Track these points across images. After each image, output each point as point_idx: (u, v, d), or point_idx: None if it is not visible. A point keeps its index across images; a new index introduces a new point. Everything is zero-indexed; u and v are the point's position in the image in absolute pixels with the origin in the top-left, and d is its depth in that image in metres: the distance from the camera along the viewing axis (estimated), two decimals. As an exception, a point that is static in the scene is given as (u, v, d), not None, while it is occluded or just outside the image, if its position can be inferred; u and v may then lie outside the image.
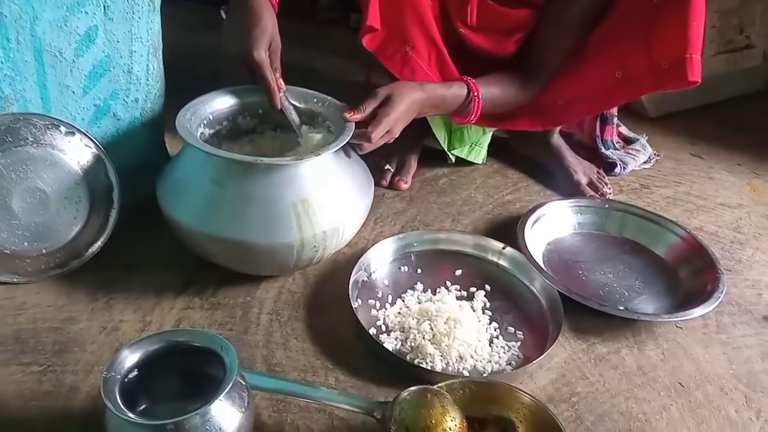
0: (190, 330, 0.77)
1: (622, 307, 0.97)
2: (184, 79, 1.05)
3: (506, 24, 1.09)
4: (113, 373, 0.64)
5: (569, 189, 1.23)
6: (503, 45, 1.10)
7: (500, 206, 1.19)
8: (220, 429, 0.63)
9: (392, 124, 0.95)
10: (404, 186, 1.20)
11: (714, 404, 0.84)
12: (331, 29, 2.06)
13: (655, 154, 1.39)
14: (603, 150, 1.34)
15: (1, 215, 0.86)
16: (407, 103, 0.96)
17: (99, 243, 0.93)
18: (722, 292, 0.96)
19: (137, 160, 1.01)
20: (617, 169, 1.31)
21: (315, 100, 1.00)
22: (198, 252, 0.91)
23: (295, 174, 0.87)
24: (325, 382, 0.80)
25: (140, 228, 0.99)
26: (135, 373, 0.67)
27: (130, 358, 0.66)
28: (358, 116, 0.93)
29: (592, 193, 1.21)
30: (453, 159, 1.27)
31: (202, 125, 0.94)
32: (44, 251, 0.89)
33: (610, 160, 1.32)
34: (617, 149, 1.37)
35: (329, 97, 1.00)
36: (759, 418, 0.82)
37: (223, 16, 0.97)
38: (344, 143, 0.90)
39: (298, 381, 0.78)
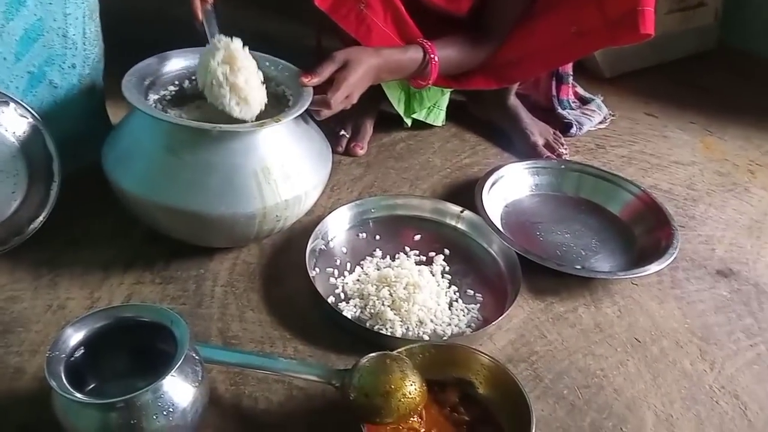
0: (138, 305, 0.74)
1: (579, 267, 0.97)
2: (124, 45, 1.00)
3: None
4: (57, 353, 0.61)
5: (526, 151, 1.22)
6: (458, 4, 1.08)
7: (458, 170, 1.18)
8: (173, 404, 0.61)
9: (351, 89, 0.93)
10: (360, 152, 1.17)
11: (669, 358, 0.85)
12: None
13: (610, 114, 1.39)
14: (559, 110, 1.34)
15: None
16: (365, 67, 0.94)
17: (41, 218, 0.89)
18: (676, 248, 0.97)
19: (78, 129, 0.96)
20: (573, 130, 1.31)
21: (267, 63, 0.96)
22: (150, 224, 0.88)
23: (256, 141, 0.84)
24: (283, 353, 0.79)
25: (84, 200, 0.95)
26: (81, 351, 0.64)
27: (75, 336, 0.63)
28: (315, 80, 0.90)
29: (549, 154, 1.20)
30: (409, 123, 1.25)
31: (147, 90, 0.89)
32: (-19, 227, 0.85)
33: (565, 121, 1.32)
34: (573, 109, 1.36)
35: (282, 61, 0.96)
36: (713, 369, 0.84)
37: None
38: (305, 109, 0.87)
39: (254, 353, 0.77)
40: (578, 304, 0.92)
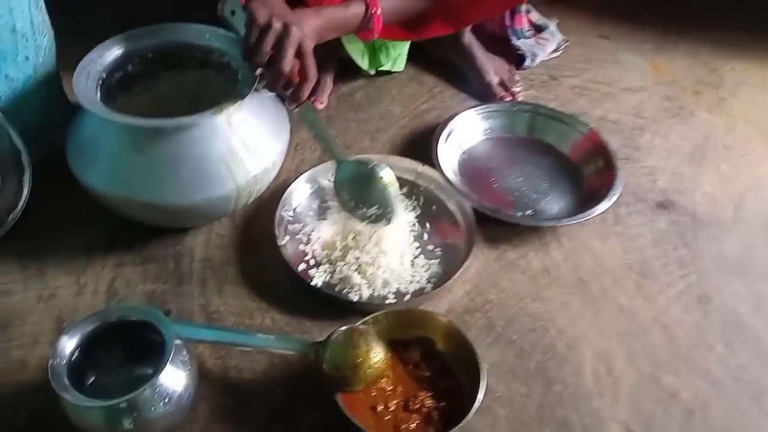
0: (125, 306, 0.81)
1: (530, 211, 1.05)
2: (74, 30, 1.00)
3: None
4: (59, 360, 0.69)
5: (481, 90, 1.26)
6: None
7: (416, 117, 1.22)
8: (169, 394, 0.70)
9: (291, 53, 0.93)
10: (320, 106, 1.20)
11: (609, 295, 0.95)
12: None
13: (564, 40, 1.41)
14: (513, 41, 1.35)
15: None
16: (306, 30, 0.95)
17: (18, 209, 0.93)
18: (618, 188, 1.04)
19: (40, 118, 0.98)
20: (527, 62, 1.33)
21: (208, 35, 0.98)
22: (123, 215, 0.93)
23: (216, 126, 0.87)
24: (261, 324, 0.88)
25: (56, 186, 0.96)
26: (78, 352, 0.72)
27: (71, 342, 0.71)
28: (259, 59, 0.92)
29: (504, 93, 1.24)
30: (373, 73, 1.27)
31: (99, 85, 0.91)
32: (-38, 228, 0.90)
33: (519, 52, 1.34)
34: (528, 38, 1.38)
35: (222, 30, 0.97)
36: (647, 303, 0.94)
37: None
38: (255, 85, 0.89)
39: (235, 330, 0.85)
40: (528, 250, 1.00)
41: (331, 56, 1.24)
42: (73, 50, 0.93)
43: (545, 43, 1.38)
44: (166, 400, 0.69)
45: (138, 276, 0.92)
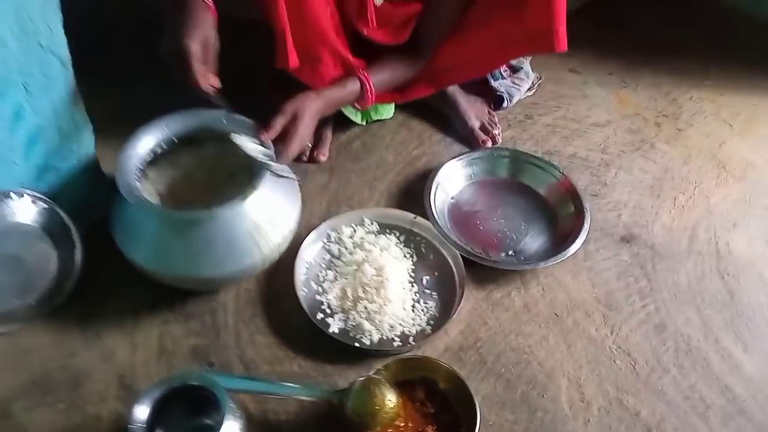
0: (184, 374, 0.94)
1: (511, 251, 1.22)
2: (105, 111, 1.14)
3: (402, 20, 1.21)
4: (137, 425, 0.85)
5: (465, 134, 1.41)
6: (399, 37, 1.23)
7: (408, 164, 1.37)
8: (227, 443, 0.86)
9: (302, 139, 1.10)
10: (323, 159, 1.35)
11: (580, 327, 1.12)
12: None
13: (537, 78, 1.56)
14: (492, 82, 1.50)
15: (-14, 286, 1.00)
16: (310, 114, 1.11)
17: (72, 280, 1.08)
18: (587, 230, 1.21)
19: (83, 196, 1.13)
20: (505, 104, 1.49)
21: (223, 119, 1.11)
22: (164, 283, 1.08)
23: (243, 207, 1.01)
24: (290, 370, 1.04)
25: (99, 253, 1.10)
26: (149, 414, 0.88)
27: (143, 409, 0.86)
28: (272, 135, 1.07)
29: (485, 138, 1.39)
30: (364, 123, 1.42)
31: (137, 178, 1.04)
32: (31, 301, 1.04)
33: (498, 93, 1.49)
34: (504, 78, 1.53)
35: (237, 115, 1.10)
36: (613, 333, 1.12)
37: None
38: (271, 168, 1.04)
39: (269, 381, 1.01)
40: (511, 288, 1.17)
41: (330, 114, 1.38)
42: (105, 128, 1.08)
43: (521, 83, 1.52)
44: (226, 447, 0.86)
45: (181, 332, 1.08)
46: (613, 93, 1.57)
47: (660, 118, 1.52)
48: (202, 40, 1.00)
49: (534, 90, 1.54)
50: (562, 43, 1.19)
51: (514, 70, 1.55)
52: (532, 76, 1.55)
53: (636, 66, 1.64)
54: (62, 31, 0.95)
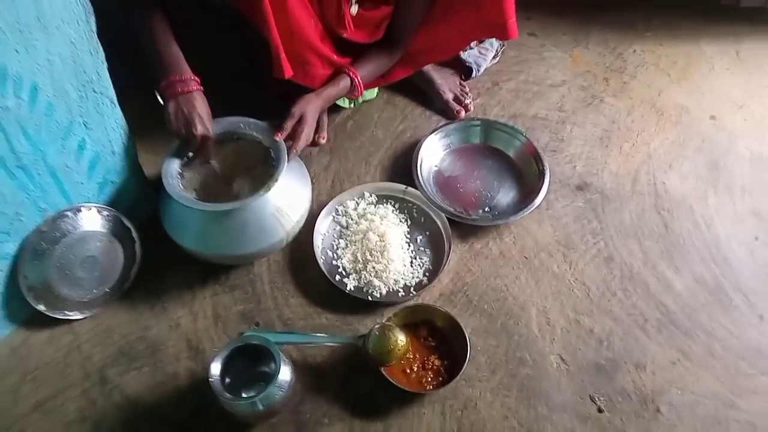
0: (246, 336, 1.21)
1: (487, 208, 1.48)
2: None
3: (376, 21, 1.42)
4: (214, 377, 1.12)
5: (441, 107, 1.65)
6: (376, 35, 1.44)
7: (396, 139, 1.61)
8: (282, 382, 1.14)
9: (308, 135, 1.33)
10: (323, 141, 1.58)
11: (545, 266, 1.40)
12: None
13: (500, 46, 1.77)
14: (461, 54, 1.71)
15: (73, 281, 1.25)
16: (313, 113, 1.35)
17: (135, 267, 1.34)
18: (547, 184, 1.47)
19: (135, 198, 1.36)
20: (474, 73, 1.71)
21: (241, 125, 1.34)
22: (207, 261, 1.34)
23: (267, 197, 1.26)
24: (320, 323, 1.31)
25: (153, 242, 1.36)
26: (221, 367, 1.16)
27: (216, 365, 1.13)
28: (284, 135, 1.30)
29: (459, 108, 1.63)
30: (353, 106, 1.64)
31: (179, 178, 1.29)
32: (107, 289, 1.30)
33: (467, 64, 1.71)
34: (472, 48, 1.74)
35: (252, 119, 1.34)
36: (571, 267, 1.40)
37: (158, 97, 1.26)
38: (285, 163, 1.28)
39: (305, 334, 1.29)
40: (488, 239, 1.44)
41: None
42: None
43: (486, 53, 1.74)
44: (283, 387, 1.14)
45: (230, 301, 1.34)
46: (567, 53, 1.80)
47: (608, 73, 1.75)
48: (204, 117, 1.25)
49: (498, 57, 1.76)
50: (513, 32, 1.42)
51: (480, 40, 1.76)
52: (496, 44, 1.76)
53: (587, 23, 1.86)
54: (108, 76, 1.16)
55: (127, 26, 1.24)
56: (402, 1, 1.42)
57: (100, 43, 1.12)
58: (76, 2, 1.03)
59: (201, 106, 1.25)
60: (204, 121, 1.24)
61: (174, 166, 1.29)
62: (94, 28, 1.09)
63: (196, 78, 1.27)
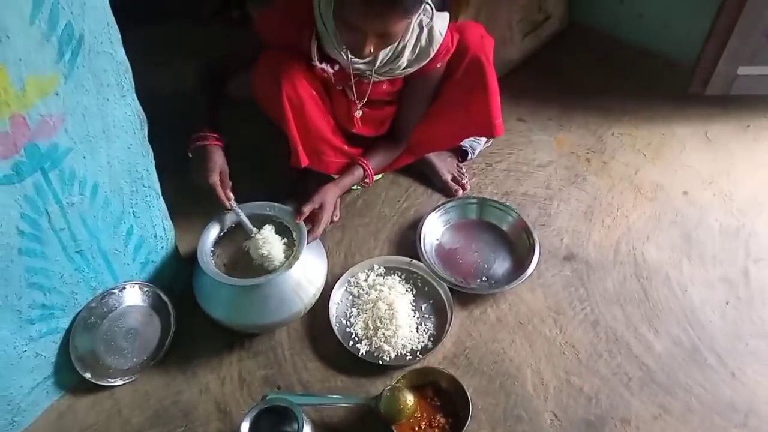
0: (273, 397, 1.35)
1: (484, 277, 1.64)
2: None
3: (381, 119, 1.62)
4: (245, 436, 1.26)
5: (441, 186, 1.84)
6: (380, 130, 1.65)
7: (401, 215, 1.79)
8: (304, 442, 1.28)
9: (327, 221, 1.51)
10: (336, 219, 1.76)
11: (538, 330, 1.56)
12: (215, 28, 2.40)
13: (493, 131, 1.97)
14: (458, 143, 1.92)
15: (117, 351, 1.41)
16: (331, 200, 1.53)
17: (170, 337, 1.49)
18: (537, 255, 1.64)
19: (171, 274, 1.53)
20: (469, 156, 1.91)
21: (267, 208, 1.52)
22: (234, 329, 1.49)
23: (288, 272, 1.43)
24: (336, 386, 1.46)
25: (185, 311, 1.52)
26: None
27: (245, 425, 1.28)
28: (303, 218, 1.48)
29: (456, 188, 1.82)
30: (359, 188, 1.83)
31: (211, 255, 1.46)
32: (145, 357, 1.45)
33: (463, 148, 1.91)
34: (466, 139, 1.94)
35: (277, 204, 1.52)
36: (561, 331, 1.55)
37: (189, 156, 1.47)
38: (306, 243, 1.45)
39: (322, 395, 1.43)
40: (486, 306, 1.60)
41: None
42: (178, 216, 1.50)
43: (480, 137, 1.94)
44: (304, 445, 1.28)
45: (253, 366, 1.49)
46: (553, 136, 2.00)
47: (589, 154, 1.95)
48: (220, 171, 1.44)
49: (491, 142, 1.96)
50: (499, 130, 1.64)
51: (474, 128, 1.96)
52: (488, 130, 1.97)
53: (570, 109, 2.07)
54: (155, 172, 1.35)
55: (178, 121, 1.45)
56: (403, 103, 1.64)
57: (150, 146, 1.31)
58: (134, 115, 1.23)
59: (214, 158, 1.44)
60: (213, 171, 1.42)
61: (207, 245, 1.46)
62: (146, 134, 1.29)
63: (215, 134, 1.47)
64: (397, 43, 1.41)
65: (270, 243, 1.45)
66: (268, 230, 1.47)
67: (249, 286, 1.42)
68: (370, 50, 1.34)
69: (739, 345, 1.51)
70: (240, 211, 1.47)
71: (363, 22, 1.29)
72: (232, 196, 1.46)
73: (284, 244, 1.49)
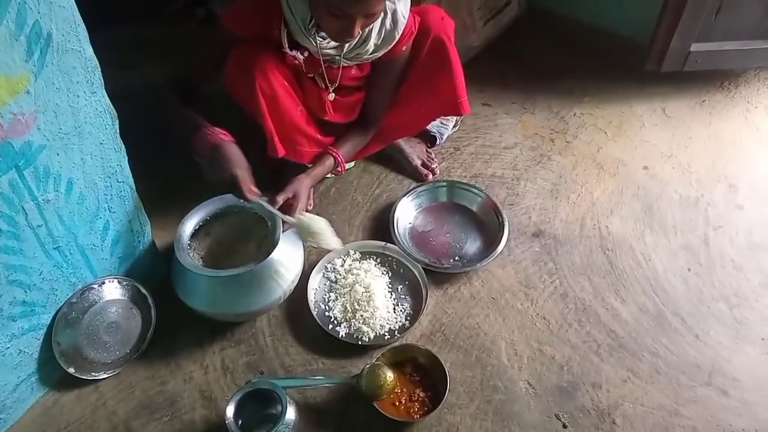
0: (258, 380, 1.38)
1: (457, 257, 1.69)
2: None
3: (352, 105, 1.67)
4: (229, 419, 1.29)
5: (411, 172, 1.88)
6: (351, 116, 1.69)
7: (373, 201, 1.84)
8: (289, 421, 1.31)
9: (302, 210, 1.54)
10: (310, 207, 1.80)
11: (510, 304, 1.61)
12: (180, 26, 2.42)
13: (459, 116, 2.02)
14: (426, 126, 1.96)
15: (100, 345, 1.43)
16: (304, 190, 1.56)
17: (151, 329, 1.51)
18: (506, 233, 1.70)
19: (148, 268, 1.56)
20: (438, 141, 1.95)
21: (240, 201, 1.54)
22: (214, 319, 1.52)
23: (267, 261, 1.46)
24: (317, 368, 1.50)
25: (164, 303, 1.54)
26: (234, 411, 1.33)
27: (231, 408, 1.31)
28: (277, 206, 1.51)
29: (426, 172, 1.86)
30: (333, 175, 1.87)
31: (188, 249, 1.48)
32: (128, 350, 1.48)
33: (431, 134, 1.95)
34: (435, 120, 1.99)
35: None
36: (532, 304, 1.61)
37: (198, 160, 1.48)
38: (281, 231, 1.49)
39: (305, 377, 1.47)
40: (460, 284, 1.65)
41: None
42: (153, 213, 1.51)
43: (447, 123, 1.99)
44: (289, 426, 1.32)
45: (236, 354, 1.52)
46: (517, 119, 2.06)
47: (553, 135, 2.01)
48: (243, 166, 1.43)
49: (458, 126, 2.01)
50: (466, 108, 1.68)
51: (441, 113, 2.01)
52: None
53: (532, 92, 2.13)
54: (128, 167, 1.37)
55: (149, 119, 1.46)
56: (372, 88, 1.67)
57: (122, 141, 1.34)
58: (104, 111, 1.25)
59: (233, 152, 1.44)
60: (237, 166, 1.41)
61: (184, 239, 1.48)
62: (118, 130, 1.31)
63: (222, 130, 1.48)
64: None
65: (316, 221, 1.49)
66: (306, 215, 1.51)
67: (228, 277, 1.45)
68: (358, 31, 1.38)
69: (702, 308, 1.59)
70: (268, 204, 1.47)
71: (350, 7, 1.32)
72: (257, 190, 1.45)
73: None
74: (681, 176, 1.90)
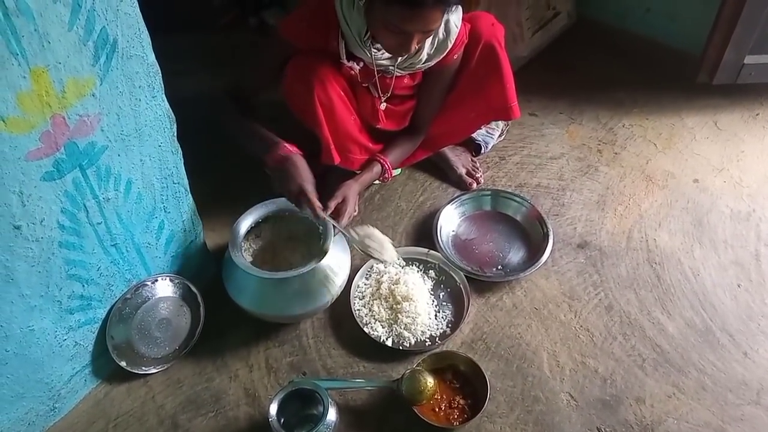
0: (300, 380, 1.42)
1: (500, 266, 1.69)
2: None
3: (403, 113, 1.70)
4: (272, 417, 1.33)
5: (456, 180, 1.89)
6: (403, 124, 1.72)
7: (417, 208, 1.85)
8: (329, 422, 1.34)
9: (350, 214, 1.57)
10: (356, 214, 1.81)
11: (553, 315, 1.60)
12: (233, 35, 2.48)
13: (505, 125, 2.03)
14: (472, 135, 1.97)
15: (151, 340, 1.48)
16: (353, 195, 1.59)
17: (200, 327, 1.56)
18: (550, 244, 1.69)
19: (199, 267, 1.61)
20: (483, 150, 1.96)
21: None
22: (263, 320, 1.56)
23: (318, 266, 1.49)
24: (358, 371, 1.52)
25: (213, 302, 1.59)
26: (277, 409, 1.36)
27: (274, 406, 1.34)
28: (328, 213, 1.54)
29: (471, 181, 1.87)
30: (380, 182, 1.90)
31: (241, 249, 1.53)
32: (177, 346, 1.53)
33: (476, 143, 1.96)
34: (480, 129, 1.99)
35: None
36: (576, 316, 1.60)
37: (268, 172, 1.54)
38: (333, 236, 1.51)
39: (346, 380, 1.49)
40: (502, 293, 1.65)
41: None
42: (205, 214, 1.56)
43: (493, 132, 1.99)
44: (329, 426, 1.34)
45: (280, 354, 1.56)
46: (564, 129, 2.05)
47: (601, 146, 1.99)
48: (310, 180, 1.49)
49: (504, 135, 2.02)
50: (516, 113, 1.69)
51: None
52: (501, 124, 2.02)
53: (580, 103, 2.12)
54: (184, 169, 1.43)
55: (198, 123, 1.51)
56: (422, 96, 1.70)
57: (178, 144, 1.39)
58: (164, 115, 1.30)
59: (303, 168, 1.50)
60: (306, 181, 1.48)
61: (239, 240, 1.53)
62: (175, 133, 1.36)
63: (291, 146, 1.53)
64: None
65: (375, 235, 1.54)
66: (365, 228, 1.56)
67: (280, 279, 1.48)
68: (415, 46, 1.42)
69: (751, 325, 1.55)
70: (332, 219, 1.52)
71: (409, 25, 1.36)
72: (321, 205, 1.50)
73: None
74: (732, 190, 1.86)
